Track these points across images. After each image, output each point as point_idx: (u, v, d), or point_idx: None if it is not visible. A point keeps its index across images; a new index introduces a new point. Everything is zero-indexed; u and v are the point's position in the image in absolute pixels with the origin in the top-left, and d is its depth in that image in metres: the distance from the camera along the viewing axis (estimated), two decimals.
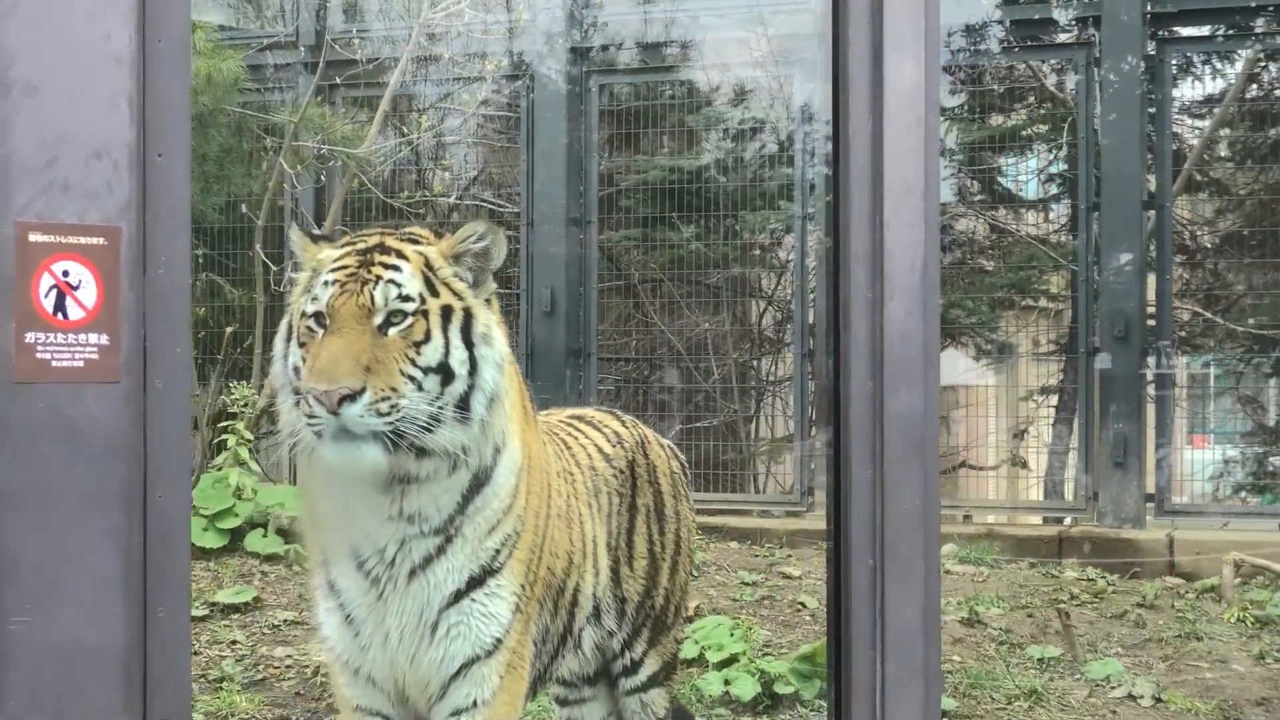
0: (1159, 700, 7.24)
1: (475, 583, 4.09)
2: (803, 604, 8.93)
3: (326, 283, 3.85)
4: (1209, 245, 13.67)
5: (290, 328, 3.99)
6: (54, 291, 3.14)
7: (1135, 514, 11.49)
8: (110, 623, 3.21)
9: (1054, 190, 14.68)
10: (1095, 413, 11.91)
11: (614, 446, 5.03)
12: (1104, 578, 9.97)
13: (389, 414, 3.68)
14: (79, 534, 3.17)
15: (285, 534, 9.32)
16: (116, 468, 3.21)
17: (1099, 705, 7.19)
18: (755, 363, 13.95)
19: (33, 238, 3.12)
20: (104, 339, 3.19)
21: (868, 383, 4.09)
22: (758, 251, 13.89)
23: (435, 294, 3.89)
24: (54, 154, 3.15)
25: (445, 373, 3.83)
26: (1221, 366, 13.63)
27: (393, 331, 3.79)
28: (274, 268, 10.73)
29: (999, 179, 14.51)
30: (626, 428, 5.19)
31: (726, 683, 7.11)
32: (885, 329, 4.08)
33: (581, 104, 12.84)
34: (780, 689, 7.08)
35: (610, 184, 13.13)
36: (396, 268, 3.87)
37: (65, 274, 3.15)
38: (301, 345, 3.87)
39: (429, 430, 3.77)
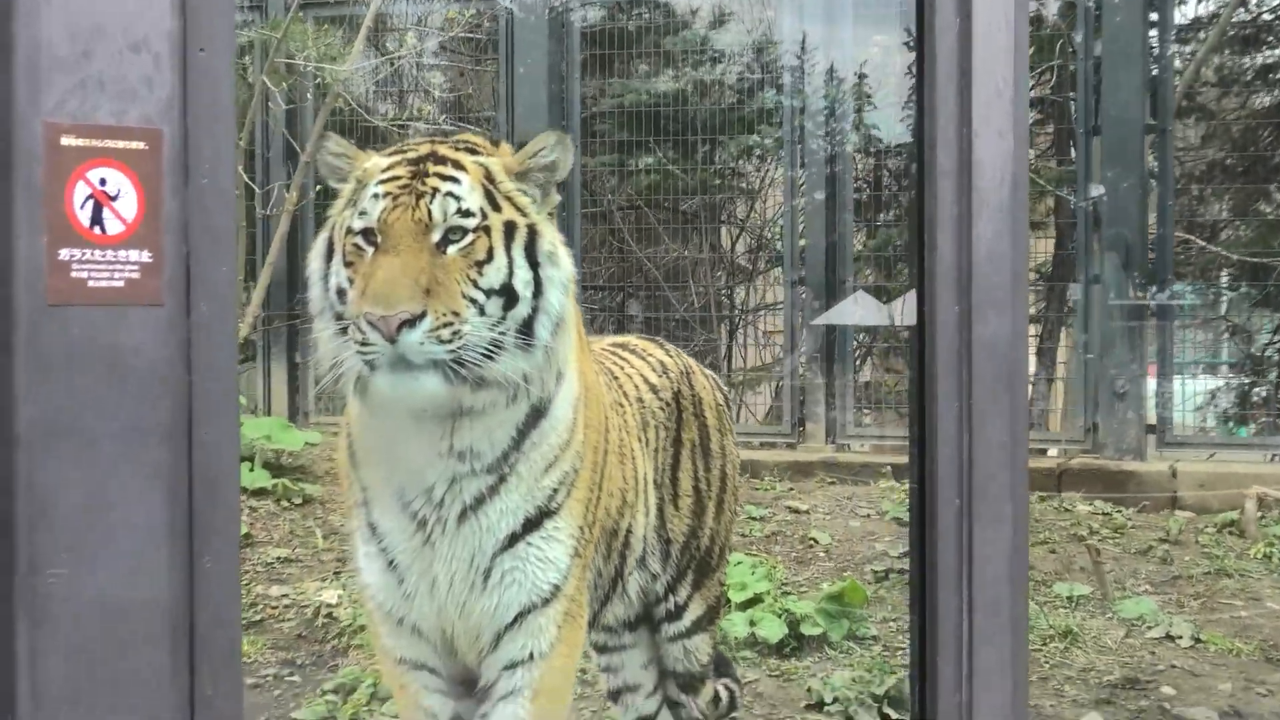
0: (1198, 640, 7.00)
1: (531, 525, 3.76)
2: (814, 540, 8.64)
3: (376, 195, 3.48)
4: (1195, 173, 13.44)
5: (330, 245, 3.63)
6: (90, 202, 2.77)
7: (1136, 446, 11.23)
8: (155, 574, 2.87)
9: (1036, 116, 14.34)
10: (1096, 343, 11.59)
11: (660, 377, 4.70)
12: (1119, 512, 9.70)
13: (451, 341, 3.33)
14: (121, 475, 2.82)
15: (272, 468, 8.96)
16: (161, 400, 2.86)
17: (1137, 646, 6.95)
18: (730, 290, 13.63)
19: (65, 141, 2.75)
20: (146, 256, 2.83)
21: (954, 308, 3.79)
22: (743, 179, 13.57)
23: (497, 209, 3.54)
24: (88, 45, 2.78)
25: (509, 295, 3.48)
26: (1199, 296, 13.42)
27: (452, 250, 3.44)
28: (259, 190, 10.31)
29: None
30: (671, 357, 4.86)
31: (752, 624, 6.81)
32: (973, 249, 3.76)
33: (563, 25, 12.44)
34: (807, 630, 6.80)
35: (589, 108, 12.75)
36: (455, 179, 3.51)
37: (103, 182, 2.78)
38: (348, 265, 3.51)
39: (490, 358, 3.42)
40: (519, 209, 3.58)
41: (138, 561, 2.84)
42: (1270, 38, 13.47)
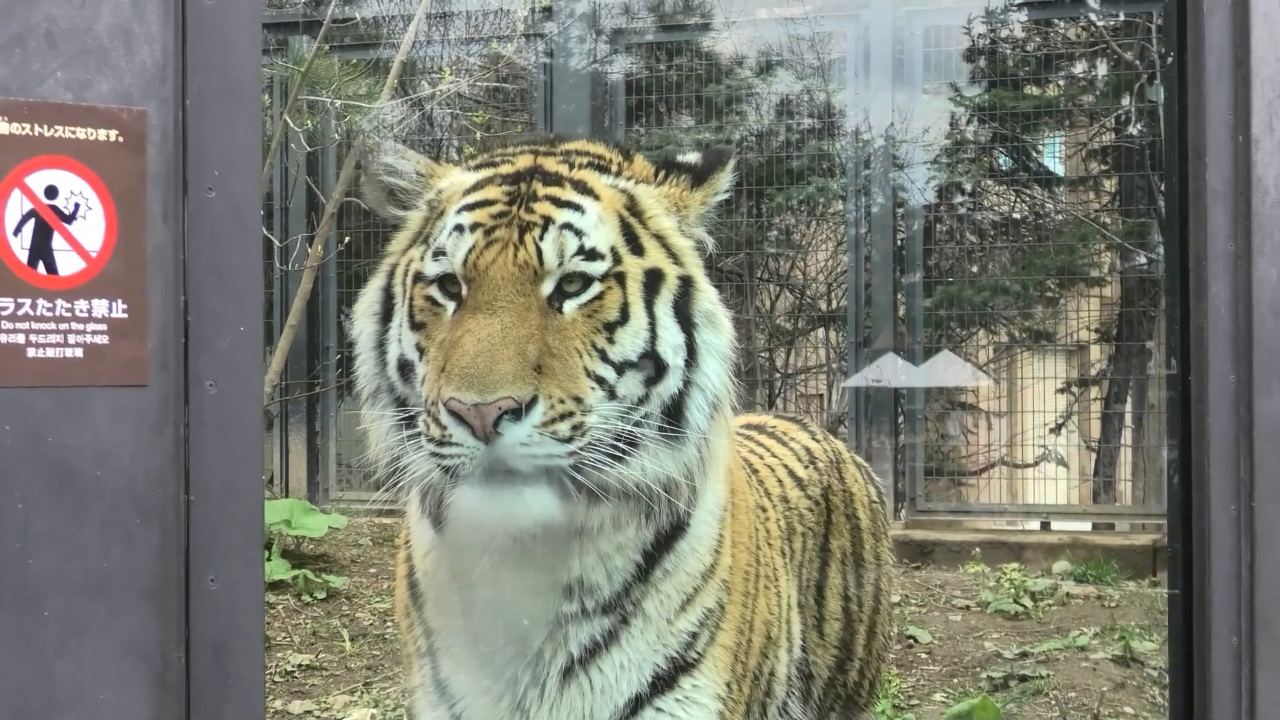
0: None
1: (662, 684, 2.77)
2: (913, 638, 7.56)
3: (460, 228, 2.45)
4: None
5: (389, 299, 2.62)
6: (31, 224, 1.79)
7: None
8: None
9: (1098, 167, 13.39)
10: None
11: (807, 468, 3.67)
12: None
13: (570, 438, 2.33)
14: (79, 653, 1.80)
15: (292, 557, 7.92)
16: (144, 534, 1.85)
17: None
18: (770, 351, 12.69)
19: None
20: (120, 309, 1.82)
21: (1230, 377, 2.83)
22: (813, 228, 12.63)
23: (639, 252, 2.52)
24: None
25: (653, 366, 2.45)
26: None
27: (570, 307, 2.41)
28: (278, 244, 9.40)
29: (1034, 154, 13.20)
30: (818, 442, 3.85)
31: None
32: (1254, 298, 2.80)
33: (605, 72, 11.56)
34: None
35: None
36: (575, 205, 2.48)
37: (51, 192, 1.78)
38: (416, 328, 2.50)
39: (620, 459, 2.40)
40: (673, 254, 2.58)
41: None
42: None
